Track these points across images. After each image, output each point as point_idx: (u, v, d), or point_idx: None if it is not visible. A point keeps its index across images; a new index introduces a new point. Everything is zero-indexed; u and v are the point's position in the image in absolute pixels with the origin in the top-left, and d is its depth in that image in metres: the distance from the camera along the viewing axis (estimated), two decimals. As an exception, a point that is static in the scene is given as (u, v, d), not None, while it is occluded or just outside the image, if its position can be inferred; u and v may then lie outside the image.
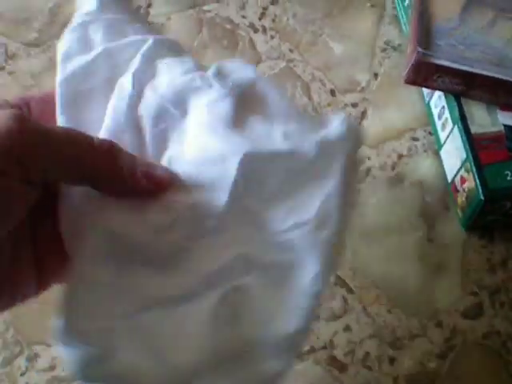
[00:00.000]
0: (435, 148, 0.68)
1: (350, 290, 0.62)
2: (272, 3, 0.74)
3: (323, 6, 0.74)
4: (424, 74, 0.63)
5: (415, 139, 0.68)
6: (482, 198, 0.61)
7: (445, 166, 0.67)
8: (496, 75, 0.63)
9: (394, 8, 0.74)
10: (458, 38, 0.64)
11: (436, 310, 0.61)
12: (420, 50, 0.62)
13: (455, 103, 0.64)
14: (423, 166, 0.67)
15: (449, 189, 0.66)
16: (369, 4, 0.75)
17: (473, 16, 0.65)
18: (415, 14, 0.64)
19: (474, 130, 0.63)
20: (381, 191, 0.66)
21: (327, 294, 0.61)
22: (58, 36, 0.69)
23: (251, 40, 0.72)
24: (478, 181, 0.61)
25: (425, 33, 0.64)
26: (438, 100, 0.67)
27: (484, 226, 0.65)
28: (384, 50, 0.72)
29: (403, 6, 0.73)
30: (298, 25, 0.73)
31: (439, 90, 0.65)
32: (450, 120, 0.65)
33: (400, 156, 0.68)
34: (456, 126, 0.64)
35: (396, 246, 0.64)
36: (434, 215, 0.65)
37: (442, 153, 0.67)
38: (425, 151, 0.68)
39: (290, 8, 0.74)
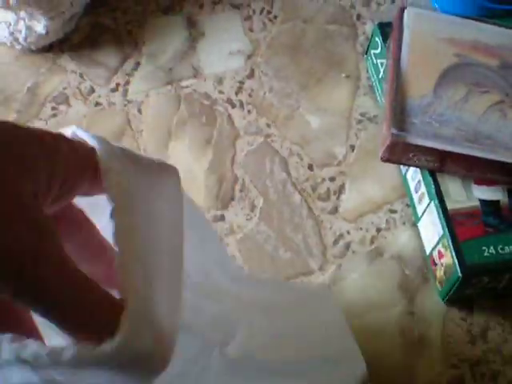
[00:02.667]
0: (413, 220, 0.69)
1: (334, 369, 0.62)
2: (248, 77, 0.75)
3: (299, 79, 0.75)
4: (399, 153, 0.64)
5: (393, 211, 0.70)
6: (460, 274, 0.62)
7: (423, 239, 0.68)
8: (470, 152, 0.64)
9: (369, 79, 0.76)
10: (432, 115, 0.66)
11: (419, 385, 0.62)
12: (394, 131, 0.63)
13: (431, 179, 0.66)
14: (402, 239, 0.69)
15: (427, 262, 0.67)
16: (344, 75, 0.76)
17: (446, 92, 0.67)
18: (389, 91, 0.65)
19: (450, 205, 0.64)
20: (361, 266, 0.67)
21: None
22: (37, 116, 0.70)
23: (229, 116, 0.73)
24: (455, 257, 0.62)
25: (399, 111, 0.65)
26: (414, 173, 0.68)
27: (464, 298, 0.66)
28: (360, 121, 0.74)
29: (377, 77, 0.74)
30: (275, 99, 0.74)
31: (415, 166, 0.66)
32: (426, 195, 0.66)
33: (378, 229, 0.69)
34: (432, 202, 0.65)
35: (377, 321, 0.65)
36: (413, 288, 0.67)
37: (420, 226, 0.68)
38: (403, 223, 0.69)
39: (266, 82, 0.75)
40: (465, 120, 0.66)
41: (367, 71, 0.76)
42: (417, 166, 0.66)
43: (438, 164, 0.65)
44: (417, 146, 0.64)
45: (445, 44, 0.69)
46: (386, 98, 0.66)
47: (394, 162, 0.65)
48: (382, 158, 0.65)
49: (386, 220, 0.69)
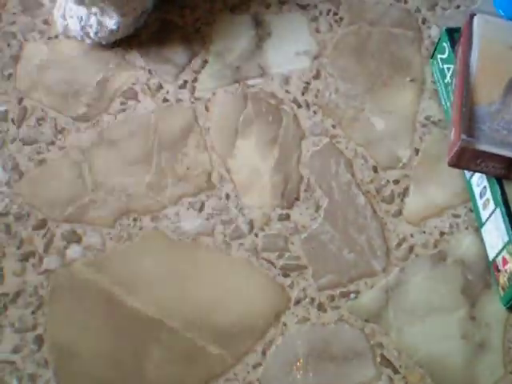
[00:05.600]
0: (476, 225, 0.70)
1: (396, 370, 0.63)
2: (315, 78, 0.76)
3: (364, 81, 0.76)
4: (467, 159, 0.65)
5: (456, 216, 0.70)
6: (525, 282, 0.62)
7: (486, 245, 0.68)
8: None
9: (434, 83, 0.76)
10: (500, 123, 0.66)
11: (479, 390, 0.63)
12: (464, 137, 0.63)
13: (497, 186, 0.66)
14: (464, 244, 0.69)
15: (490, 267, 0.68)
16: (408, 79, 0.76)
17: (514, 99, 0.67)
18: (458, 98, 0.66)
19: (515, 213, 0.65)
20: (424, 269, 0.68)
21: (372, 375, 0.63)
22: (106, 110, 0.72)
23: (295, 116, 0.73)
24: (521, 265, 0.63)
25: (468, 117, 0.65)
26: (479, 179, 0.69)
27: (525, 305, 0.67)
28: (424, 125, 0.74)
29: (443, 82, 0.74)
30: (340, 100, 0.75)
31: (481, 172, 0.66)
32: (491, 201, 0.66)
33: (442, 233, 0.69)
34: (498, 209, 0.65)
35: (439, 325, 0.66)
36: (475, 293, 0.67)
37: (484, 231, 0.68)
38: (466, 228, 0.70)
39: (332, 83, 0.75)
40: (533, 128, 0.66)
41: (432, 75, 0.77)
42: (484, 173, 0.66)
43: (505, 171, 0.65)
44: (485, 153, 0.64)
45: (514, 52, 0.70)
46: (455, 104, 0.67)
47: (461, 168, 0.66)
48: (449, 164, 0.66)
49: (450, 224, 0.70)
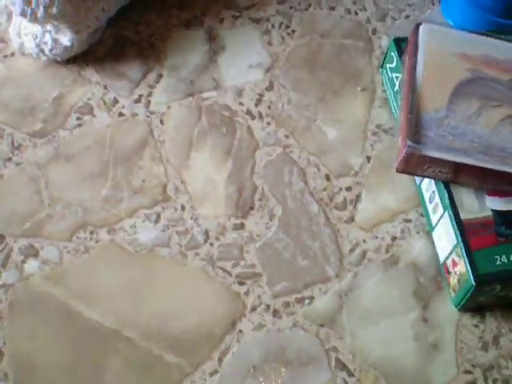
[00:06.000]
0: (427, 229, 0.71)
1: (350, 373, 0.65)
2: (268, 89, 0.77)
3: (316, 91, 0.77)
4: (414, 165, 0.66)
5: (408, 221, 0.72)
6: (473, 283, 0.64)
7: (437, 248, 0.70)
8: (483, 164, 0.66)
9: (384, 92, 0.78)
10: (446, 128, 0.68)
11: (432, 390, 0.64)
12: (410, 143, 0.65)
13: (445, 190, 0.68)
14: (416, 248, 0.71)
15: (441, 270, 0.69)
16: (359, 88, 0.78)
17: (460, 106, 0.69)
18: (405, 105, 0.67)
19: (463, 215, 0.66)
20: (376, 273, 0.69)
21: (328, 378, 0.64)
22: (62, 126, 0.73)
23: (249, 127, 0.75)
24: (468, 266, 0.64)
25: (414, 124, 0.67)
26: (428, 184, 0.70)
27: (476, 305, 0.68)
28: (375, 133, 0.76)
29: (393, 90, 0.76)
30: (293, 111, 0.76)
31: (429, 178, 0.68)
32: (440, 205, 0.68)
33: (394, 238, 0.71)
34: (446, 212, 0.67)
35: (392, 327, 0.67)
36: (427, 296, 0.69)
37: (434, 234, 0.70)
38: (417, 232, 0.71)
39: (284, 94, 0.77)
40: (478, 133, 0.68)
41: (382, 84, 0.78)
42: (431, 178, 0.68)
43: (452, 175, 0.67)
44: (431, 158, 0.66)
45: (458, 59, 0.72)
46: (401, 111, 0.68)
47: (409, 174, 0.67)
48: (397, 170, 0.67)
49: (401, 229, 0.71)
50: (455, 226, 0.66)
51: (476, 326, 0.68)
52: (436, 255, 0.70)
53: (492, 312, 0.69)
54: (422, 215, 0.72)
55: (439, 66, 0.71)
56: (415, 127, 0.67)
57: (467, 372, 0.66)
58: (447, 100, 0.69)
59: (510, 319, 0.69)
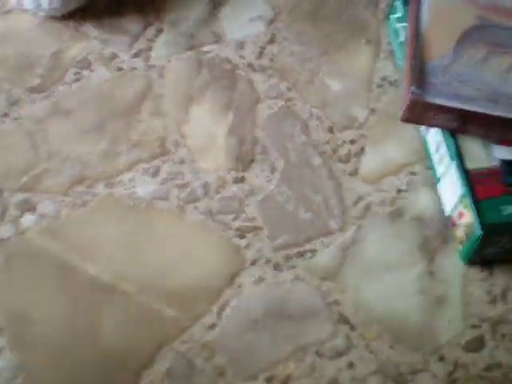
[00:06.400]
0: (433, 182, 0.69)
1: (353, 327, 0.63)
2: (270, 42, 0.75)
3: (320, 44, 0.75)
4: (419, 113, 0.64)
5: (413, 173, 0.70)
6: (480, 232, 0.62)
7: (443, 200, 0.68)
8: (490, 112, 0.64)
9: (389, 44, 0.76)
10: (452, 75, 0.66)
11: (438, 345, 0.62)
12: (414, 89, 0.63)
13: (452, 139, 0.65)
14: (422, 200, 0.69)
15: (447, 223, 0.67)
16: (364, 40, 0.76)
17: (466, 52, 0.67)
18: (409, 52, 0.65)
19: (470, 165, 0.64)
20: (381, 227, 0.67)
21: (330, 332, 0.62)
22: (60, 81, 0.71)
23: (250, 80, 0.73)
24: (475, 216, 0.62)
25: (419, 71, 0.65)
26: (434, 135, 0.68)
27: (483, 258, 0.66)
28: (380, 85, 0.74)
29: (398, 42, 0.74)
30: (296, 63, 0.74)
31: (434, 126, 0.66)
32: (447, 156, 0.66)
33: (399, 191, 0.69)
34: (453, 163, 0.65)
35: (397, 281, 0.65)
36: (433, 249, 0.67)
37: (440, 187, 0.68)
38: (423, 185, 0.69)
39: (287, 47, 0.75)
40: (485, 80, 0.66)
41: (388, 36, 0.76)
42: (437, 126, 0.66)
43: (458, 124, 0.65)
44: (437, 106, 0.64)
45: (465, 5, 0.69)
46: (406, 59, 0.66)
47: (413, 122, 0.65)
48: (401, 119, 0.65)
49: (407, 182, 0.69)
50: (462, 176, 0.64)
51: (484, 280, 0.66)
52: (442, 209, 0.68)
53: (500, 266, 0.66)
54: (427, 168, 0.70)
55: (445, 12, 0.69)
56: (420, 74, 0.65)
57: (474, 326, 0.64)
58: (453, 46, 0.67)
59: (519, 273, 0.66)
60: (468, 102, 0.64)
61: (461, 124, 0.65)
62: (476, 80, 0.66)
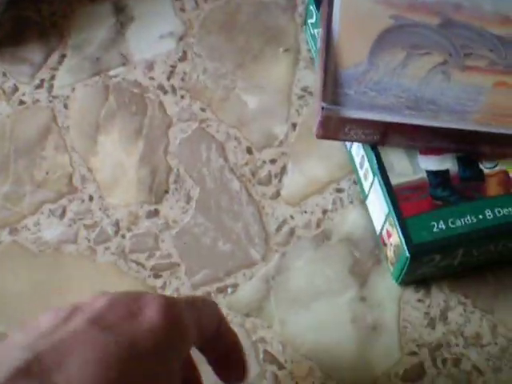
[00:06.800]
0: (361, 198, 0.64)
1: (281, 366, 0.58)
2: (181, 60, 0.70)
3: (234, 57, 0.70)
4: (334, 129, 0.59)
5: (340, 190, 0.65)
6: (408, 254, 0.57)
7: (372, 218, 0.63)
8: (412, 121, 0.59)
9: (309, 51, 0.71)
10: (368, 84, 0.61)
11: (374, 377, 0.58)
12: (325, 105, 0.58)
13: (372, 153, 0.61)
14: (350, 219, 0.64)
15: (378, 242, 0.62)
16: (282, 49, 0.71)
17: (383, 58, 0.62)
18: (320, 62, 0.60)
19: (394, 180, 0.59)
20: (307, 252, 0.63)
21: (256, 373, 0.58)
22: (-41, 121, 0.66)
23: (161, 103, 0.68)
24: (401, 236, 0.58)
25: (331, 83, 0.60)
26: (357, 148, 0.63)
27: (418, 278, 0.61)
28: (301, 96, 0.69)
29: (316, 48, 0.69)
30: (209, 81, 0.69)
31: (353, 141, 0.61)
32: (370, 171, 0.61)
33: (325, 211, 0.64)
34: (375, 178, 0.60)
35: (326, 310, 0.60)
36: (365, 271, 0.62)
37: (368, 203, 0.63)
38: (351, 202, 0.64)
39: (199, 63, 0.70)
40: (404, 86, 0.61)
41: (307, 43, 0.71)
42: (356, 141, 0.61)
43: (379, 136, 0.60)
44: (352, 119, 0.59)
45: (379, 6, 0.64)
46: (317, 71, 0.61)
47: (330, 139, 0.60)
48: (317, 136, 0.60)
49: (333, 200, 0.65)
50: (385, 193, 0.59)
51: (420, 300, 0.61)
52: (372, 226, 0.63)
53: (437, 283, 0.62)
54: (355, 183, 0.65)
55: (359, 15, 0.64)
56: (332, 86, 0.60)
57: (413, 353, 0.59)
58: (368, 53, 0.62)
59: (457, 290, 0.62)
60: (386, 112, 0.59)
61: (381, 136, 0.60)
62: (394, 87, 0.61)
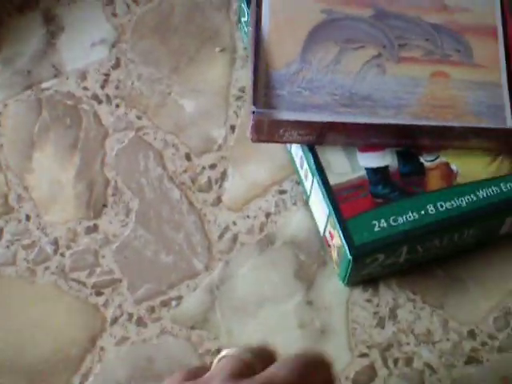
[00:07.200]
0: (304, 199, 0.63)
1: (228, 378, 0.57)
2: (114, 67, 0.68)
3: (169, 61, 0.69)
4: (268, 133, 0.58)
5: (282, 192, 0.64)
6: (350, 256, 0.56)
7: (316, 219, 0.62)
8: (348, 118, 0.58)
9: (245, 49, 0.69)
10: (301, 84, 0.59)
11: (324, 382, 0.57)
12: (255, 109, 0.56)
13: (309, 153, 0.59)
14: (294, 222, 0.63)
15: (323, 243, 0.61)
16: (218, 49, 0.69)
17: (315, 55, 0.60)
18: (250, 63, 0.59)
19: (333, 180, 0.58)
20: (251, 258, 0.61)
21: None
22: None
23: (95, 113, 0.66)
24: (342, 238, 0.56)
25: (263, 85, 0.59)
26: (296, 148, 0.62)
27: (365, 278, 0.60)
28: (239, 97, 0.67)
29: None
30: (144, 87, 0.68)
31: (289, 143, 0.60)
32: (309, 171, 0.60)
33: (268, 214, 0.63)
34: (314, 178, 0.59)
35: (273, 317, 0.59)
36: (311, 274, 0.61)
37: (311, 204, 0.62)
38: (294, 204, 0.63)
39: (133, 70, 0.68)
40: (338, 83, 0.60)
41: (243, 41, 0.69)
42: (291, 143, 0.59)
43: (315, 137, 0.58)
44: (286, 121, 0.57)
45: (311, 0, 0.62)
46: (249, 72, 0.59)
47: (265, 142, 0.59)
48: (251, 140, 0.59)
49: (275, 202, 0.63)
50: (325, 194, 0.58)
51: (369, 300, 0.60)
52: (317, 227, 0.62)
53: (385, 282, 0.61)
54: (297, 183, 0.64)
55: (288, 12, 0.62)
56: (264, 88, 0.59)
57: (363, 355, 0.58)
58: (300, 50, 0.61)
59: (406, 287, 0.61)
60: (321, 112, 0.58)
61: (317, 136, 0.58)
62: (328, 84, 0.59)
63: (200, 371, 0.43)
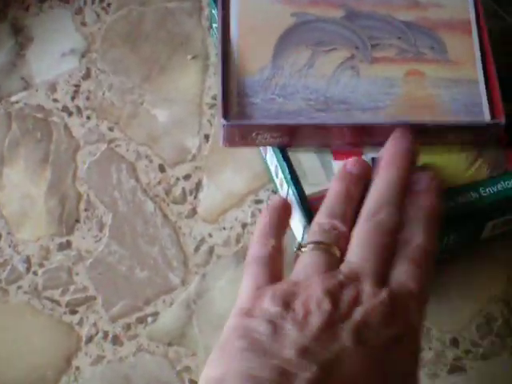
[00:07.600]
0: (282, 207, 0.61)
1: (207, 395, 0.55)
2: (84, 78, 0.67)
3: (140, 70, 0.67)
4: (240, 139, 0.56)
5: (259, 202, 0.62)
6: (327, 267, 0.54)
7: (293, 229, 0.60)
8: (323, 122, 0.56)
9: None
10: (275, 90, 0.58)
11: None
12: (225, 122, 0.55)
13: (285, 163, 0.58)
14: (271, 232, 0.61)
15: (301, 253, 0.59)
16: (190, 56, 0.68)
17: (287, 59, 0.59)
18: (219, 74, 0.57)
19: (308, 190, 0.57)
20: (228, 271, 0.60)
21: (182, 405, 0.55)
22: None
23: (66, 126, 0.65)
24: (320, 250, 0.54)
25: (235, 93, 0.57)
26: (271, 157, 0.60)
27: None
28: (212, 105, 0.66)
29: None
30: (115, 97, 0.66)
31: (263, 145, 0.58)
32: (284, 181, 0.58)
33: (244, 225, 0.61)
34: (290, 189, 0.57)
35: (253, 331, 0.58)
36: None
37: (288, 214, 0.60)
38: (271, 213, 0.61)
39: (104, 80, 0.67)
40: (313, 87, 0.58)
41: (215, 47, 0.68)
42: (265, 145, 0.58)
43: (288, 138, 0.57)
44: (259, 131, 0.56)
45: (280, 5, 0.61)
46: (217, 81, 0.58)
47: (238, 147, 0.57)
48: (224, 146, 0.57)
49: (252, 213, 0.62)
50: (300, 205, 0.56)
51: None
52: (294, 238, 0.60)
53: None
54: (274, 192, 0.62)
55: (258, 16, 0.60)
56: (237, 97, 0.57)
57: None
58: (271, 56, 0.59)
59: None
60: (295, 119, 0.57)
61: (290, 138, 0.57)
62: (302, 89, 0.58)
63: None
